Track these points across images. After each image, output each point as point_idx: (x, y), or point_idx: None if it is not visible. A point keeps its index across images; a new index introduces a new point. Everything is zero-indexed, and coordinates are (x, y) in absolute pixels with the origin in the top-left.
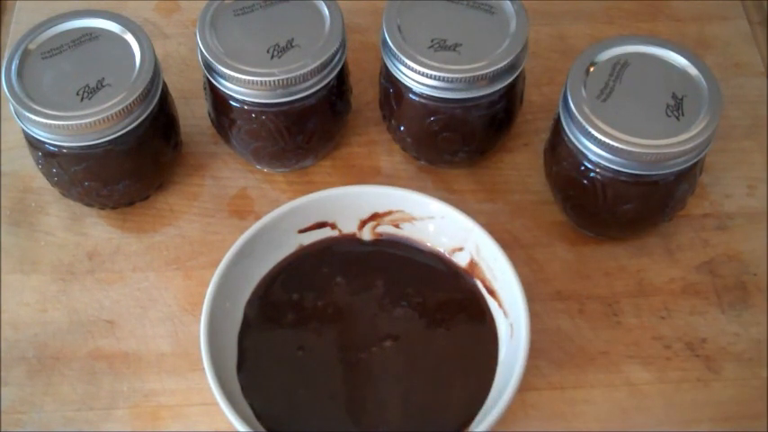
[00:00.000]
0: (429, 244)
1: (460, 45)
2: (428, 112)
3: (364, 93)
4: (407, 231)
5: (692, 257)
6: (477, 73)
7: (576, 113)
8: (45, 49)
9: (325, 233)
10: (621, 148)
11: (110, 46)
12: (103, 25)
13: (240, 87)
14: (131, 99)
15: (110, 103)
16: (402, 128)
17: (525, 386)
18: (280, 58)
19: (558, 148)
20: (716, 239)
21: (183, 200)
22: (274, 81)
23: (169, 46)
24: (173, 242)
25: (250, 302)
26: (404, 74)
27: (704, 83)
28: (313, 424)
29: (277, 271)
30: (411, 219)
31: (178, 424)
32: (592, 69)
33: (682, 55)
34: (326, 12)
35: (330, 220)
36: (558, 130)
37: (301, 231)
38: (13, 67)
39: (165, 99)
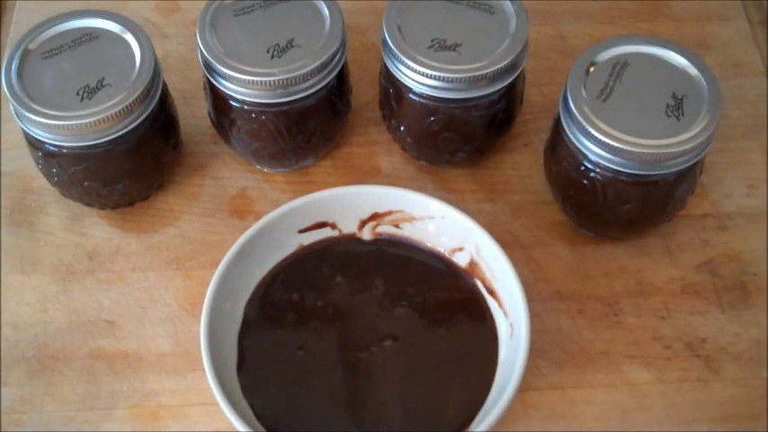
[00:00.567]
0: (429, 244)
1: (460, 45)
2: (428, 112)
3: (364, 93)
4: (407, 231)
5: (692, 257)
6: (477, 73)
7: (576, 113)
8: (45, 49)
9: (325, 233)
10: (621, 148)
11: (110, 46)
12: (103, 25)
13: (240, 87)
14: (131, 99)
15: (110, 103)
16: (402, 128)
17: (525, 386)
18: (280, 58)
19: (558, 148)
20: (716, 239)
21: (183, 200)
22: (274, 81)
23: (169, 46)
24: (173, 242)
25: (250, 302)
26: (404, 74)
27: (704, 83)
28: (313, 424)
29: (277, 271)
30: (411, 219)
31: (178, 424)
32: (592, 69)
33: (682, 55)
34: (326, 12)
35: (330, 220)
36: (558, 130)
37: (301, 231)
38: (13, 67)
39: (165, 99)
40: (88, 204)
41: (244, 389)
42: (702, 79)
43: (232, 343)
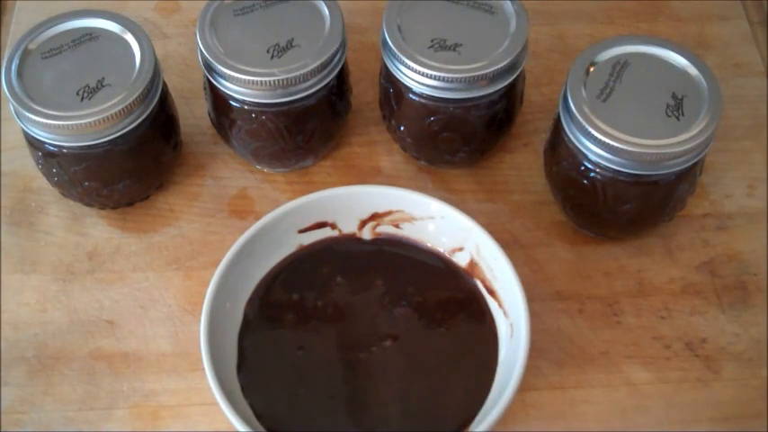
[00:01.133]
0: (429, 244)
1: (460, 45)
2: (428, 112)
3: (364, 93)
4: (407, 231)
5: (692, 257)
6: (477, 73)
7: (576, 113)
8: (45, 49)
9: (325, 233)
10: (621, 148)
11: (110, 46)
12: (103, 25)
13: (240, 87)
14: (131, 99)
15: (110, 103)
16: (402, 128)
17: (525, 386)
18: (280, 58)
19: (558, 148)
20: (716, 239)
21: (183, 200)
22: (274, 81)
23: (169, 46)
24: (173, 242)
25: (250, 302)
26: (404, 74)
27: (704, 83)
28: (313, 424)
29: (277, 271)
30: (411, 219)
31: (178, 424)
32: (592, 69)
33: (682, 55)
34: (326, 12)
35: (330, 220)
36: (558, 130)
37: (301, 231)
38: (13, 67)
39: (165, 99)
40: (88, 204)
41: (244, 389)
42: (702, 79)
43: (232, 343)
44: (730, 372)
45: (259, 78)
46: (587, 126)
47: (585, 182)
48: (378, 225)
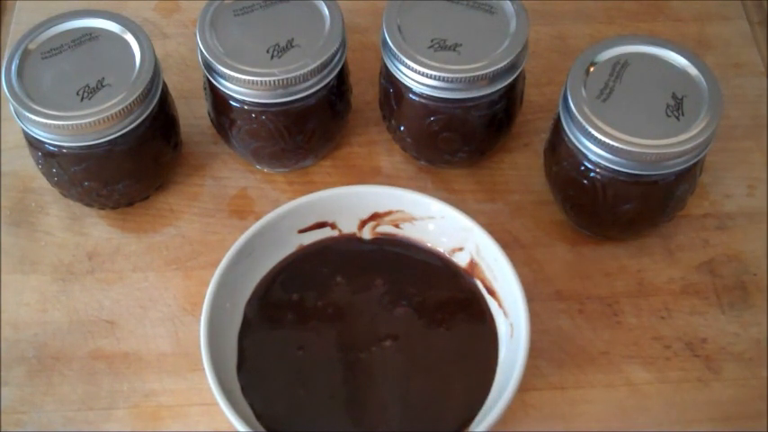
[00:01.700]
0: (429, 244)
1: (460, 45)
2: (428, 112)
3: (364, 93)
4: (407, 231)
5: (692, 257)
6: (477, 73)
7: (576, 113)
8: (45, 49)
9: (325, 233)
10: (621, 148)
11: (110, 46)
12: (103, 25)
13: (240, 87)
14: (131, 99)
15: (110, 103)
16: (402, 128)
17: (525, 386)
18: (280, 58)
19: (558, 148)
20: (716, 239)
21: (183, 200)
22: (274, 81)
23: (169, 46)
24: (173, 242)
25: (250, 302)
26: (404, 74)
27: (704, 83)
28: (313, 424)
29: (277, 271)
30: (411, 219)
31: (178, 424)
32: (592, 69)
33: (682, 55)
34: (326, 12)
35: (330, 220)
36: (558, 130)
37: (301, 231)
38: (13, 67)
39: (165, 99)
40: (88, 204)
41: (244, 389)
42: (702, 79)
43: (232, 343)
44: (730, 372)
45: (259, 78)
46: (587, 126)
47: (585, 182)
48: (378, 225)
